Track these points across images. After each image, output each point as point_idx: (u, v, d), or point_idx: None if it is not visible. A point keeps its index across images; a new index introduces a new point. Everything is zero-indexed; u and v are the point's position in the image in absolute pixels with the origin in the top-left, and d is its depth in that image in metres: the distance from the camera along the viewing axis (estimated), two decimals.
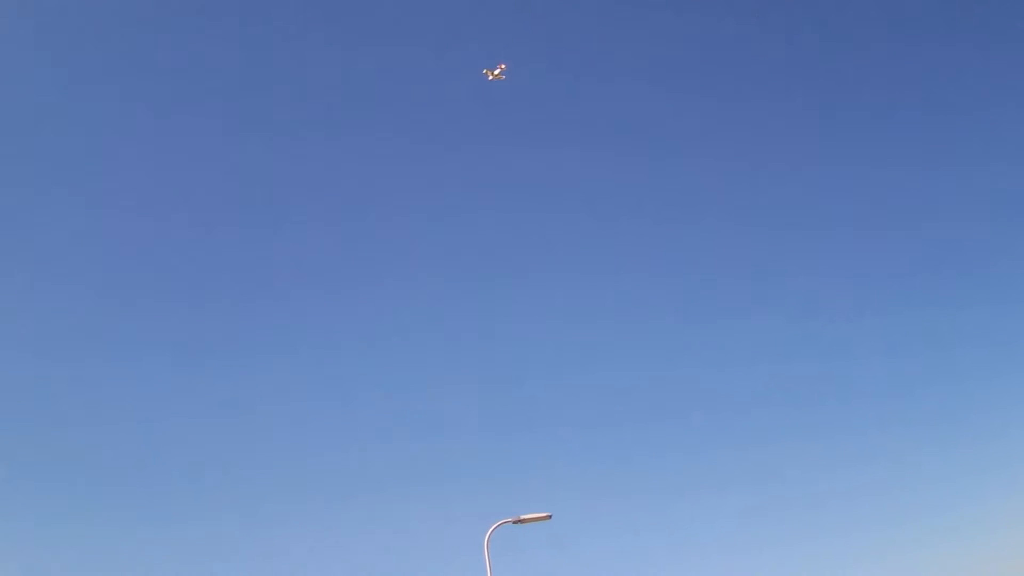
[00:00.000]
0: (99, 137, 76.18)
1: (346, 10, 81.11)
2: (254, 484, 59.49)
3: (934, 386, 67.30)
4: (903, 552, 55.07)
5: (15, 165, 70.61)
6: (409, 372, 70.55)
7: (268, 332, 71.21)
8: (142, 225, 75.45)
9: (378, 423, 66.81)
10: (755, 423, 66.29)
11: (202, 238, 76.71)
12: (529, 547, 41.35)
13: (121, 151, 77.10)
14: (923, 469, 61.31)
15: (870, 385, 68.62)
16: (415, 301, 75.38)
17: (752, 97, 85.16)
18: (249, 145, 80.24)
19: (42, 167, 72.03)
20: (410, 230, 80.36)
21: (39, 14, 71.09)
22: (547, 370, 71.36)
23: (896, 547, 55.40)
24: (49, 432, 59.67)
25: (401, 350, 71.94)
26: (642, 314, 76.24)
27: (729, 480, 61.87)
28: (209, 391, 66.41)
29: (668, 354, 73.47)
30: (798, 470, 63.03)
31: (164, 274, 73.94)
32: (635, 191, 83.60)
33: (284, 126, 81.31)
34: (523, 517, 24.23)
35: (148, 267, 73.58)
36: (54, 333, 65.88)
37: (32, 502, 54.55)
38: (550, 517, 24.24)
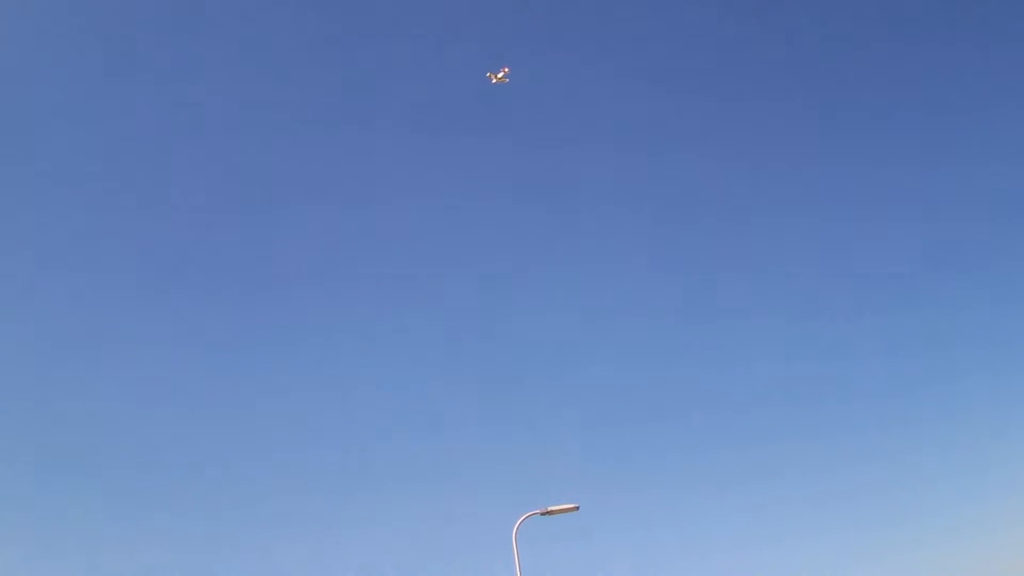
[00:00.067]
0: (99, 136, 76.09)
1: (347, 9, 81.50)
2: (284, 479, 60.17)
3: (934, 386, 67.89)
4: (903, 552, 55.58)
5: (15, 165, 70.30)
6: (437, 369, 71.28)
7: (290, 328, 71.80)
8: (141, 223, 75.42)
9: (408, 419, 67.63)
10: (754, 423, 66.93)
11: (202, 235, 76.89)
12: (557, 538, 41.80)
13: (120, 148, 76.96)
14: (923, 469, 61.87)
15: (870, 385, 69.25)
16: (424, 299, 75.81)
17: (752, 97, 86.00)
18: (249, 142, 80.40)
19: (42, 167, 71.77)
20: (411, 230, 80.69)
21: (39, 14, 71.02)
22: (574, 366, 72.14)
23: (896, 547, 55.89)
24: (49, 431, 59.47)
25: (426, 347, 72.69)
26: (642, 312, 76.79)
27: (742, 477, 62.51)
28: (239, 385, 67.21)
29: (679, 353, 74.29)
30: (797, 469, 63.54)
31: (164, 271, 73.94)
32: (636, 190, 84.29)
33: (284, 124, 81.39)
34: (551, 509, 24.36)
35: (147, 265, 73.51)
36: (54, 332, 65.68)
37: (32, 502, 54.43)
38: (577, 508, 24.36)
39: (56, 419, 60.11)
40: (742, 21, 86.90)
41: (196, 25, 78.58)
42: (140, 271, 73.11)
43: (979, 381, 66.30)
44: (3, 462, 55.14)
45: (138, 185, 76.11)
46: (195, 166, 79.35)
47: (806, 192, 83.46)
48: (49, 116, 72.94)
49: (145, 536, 53.34)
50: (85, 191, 74.12)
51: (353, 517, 58.21)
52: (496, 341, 73.85)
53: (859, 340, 72.90)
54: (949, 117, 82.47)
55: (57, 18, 72.24)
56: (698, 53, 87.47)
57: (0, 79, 69.60)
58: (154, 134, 77.06)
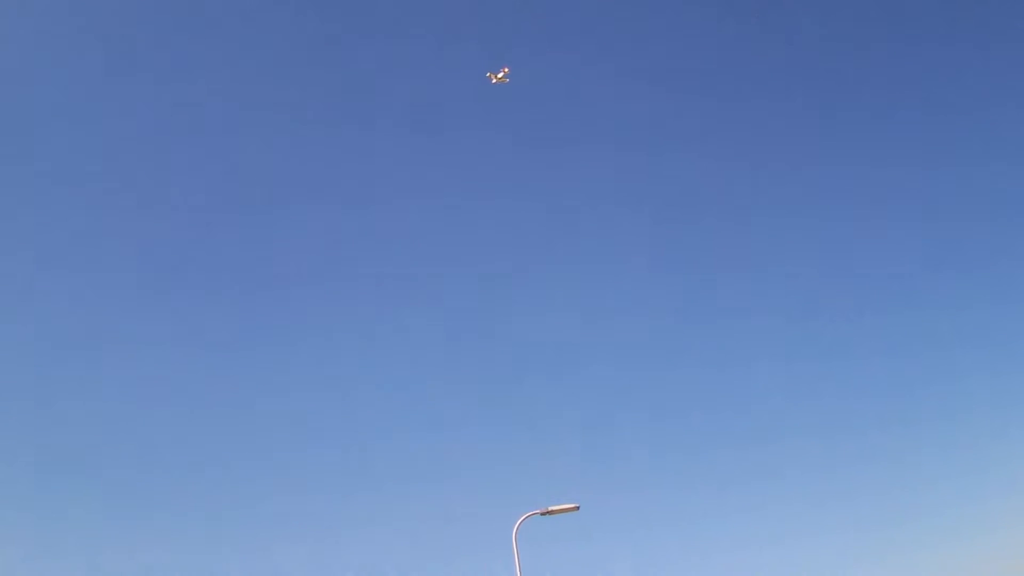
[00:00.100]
0: (99, 136, 76.06)
1: (347, 9, 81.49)
2: (284, 479, 60.27)
3: (934, 386, 67.97)
4: (903, 552, 55.63)
5: (15, 165, 70.30)
6: (437, 369, 71.39)
7: (292, 328, 71.86)
8: (141, 223, 75.41)
9: (408, 419, 67.71)
10: (754, 422, 66.97)
11: (202, 235, 76.92)
12: (557, 538, 41.97)
13: (120, 148, 76.95)
14: (923, 469, 61.90)
15: (870, 385, 69.27)
16: (424, 299, 75.91)
17: (752, 97, 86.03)
18: (249, 142, 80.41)
19: (42, 167, 71.76)
20: (411, 230, 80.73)
21: (39, 14, 71.01)
22: (574, 366, 72.28)
23: (896, 547, 55.94)
24: (49, 431, 59.47)
25: (426, 347, 72.80)
26: (642, 312, 76.85)
27: (742, 477, 62.61)
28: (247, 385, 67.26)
29: (679, 353, 74.42)
30: (797, 469, 63.59)
31: (163, 271, 73.95)
32: (635, 190, 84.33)
33: (284, 124, 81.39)
34: (551, 509, 24.36)
35: (147, 265, 73.51)
36: (54, 332, 65.69)
37: (32, 501, 54.43)
38: (578, 508, 24.36)
39: (56, 419, 60.26)
40: (742, 21, 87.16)
41: (196, 25, 78.74)
42: (140, 271, 73.26)
43: (979, 381, 66.56)
44: (3, 462, 55.27)
45: (138, 185, 76.24)
46: (195, 166, 79.49)
47: (806, 192, 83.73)
48: (49, 116, 73.09)
49: (145, 536, 53.47)
50: (85, 191, 74.27)
51: (353, 517, 58.50)
52: (496, 341, 74.06)
53: (859, 340, 73.19)
54: (949, 117, 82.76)
55: (57, 18, 72.38)
56: (698, 53, 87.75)
57: (0, 79, 69.77)
58: (154, 134, 77.22)
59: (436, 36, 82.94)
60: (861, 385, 69.53)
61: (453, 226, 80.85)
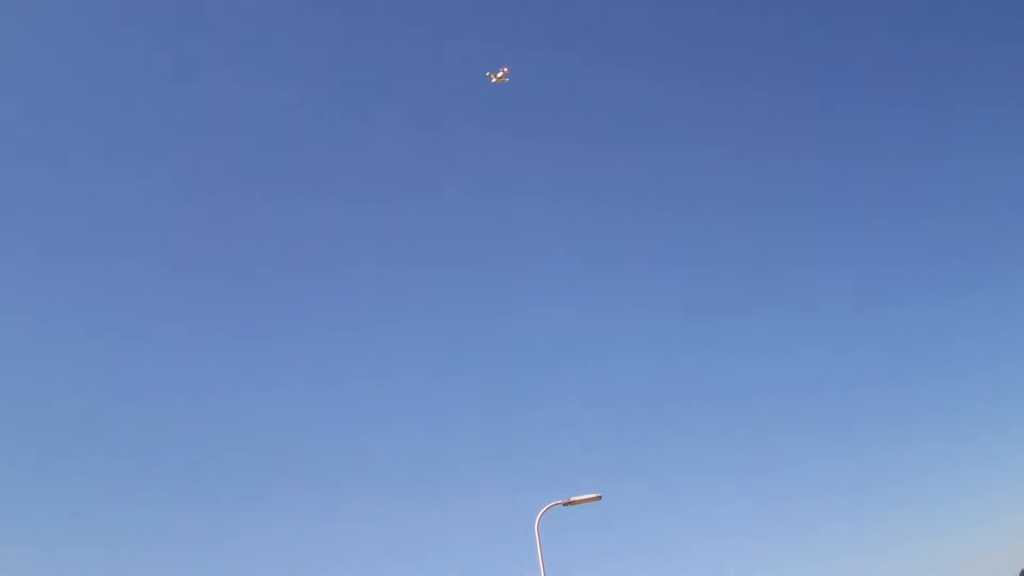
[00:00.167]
0: (99, 136, 75.91)
1: (347, 9, 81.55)
2: (284, 479, 60.48)
3: (933, 379, 68.49)
4: (902, 545, 55.85)
5: (15, 165, 70.06)
6: (456, 359, 72.20)
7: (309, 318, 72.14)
8: (141, 223, 75.41)
9: (428, 413, 68.09)
10: (756, 417, 67.52)
11: (202, 235, 77.03)
12: (579, 528, 42.84)
13: (120, 148, 76.80)
14: (922, 462, 62.17)
15: (869, 382, 69.67)
16: (429, 291, 76.01)
17: (752, 93, 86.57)
18: (249, 142, 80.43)
19: (42, 166, 71.57)
20: (411, 230, 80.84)
21: (39, 14, 70.79)
22: (597, 359, 72.70)
23: (895, 540, 56.13)
24: (49, 431, 59.31)
25: (446, 341, 73.64)
26: (655, 307, 77.25)
27: (765, 465, 63.21)
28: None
29: (702, 343, 74.79)
30: (796, 463, 63.82)
31: (163, 271, 74.02)
32: (636, 188, 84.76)
33: (284, 124, 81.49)
34: (573, 499, 24.41)
35: (147, 264, 73.48)
36: (54, 332, 65.49)
37: (32, 501, 54.26)
38: (600, 498, 24.43)
39: (56, 419, 60.05)
40: (742, 19, 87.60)
41: (196, 25, 78.68)
42: (140, 270, 73.10)
43: (978, 374, 67.16)
44: (3, 462, 55.05)
45: (138, 185, 76.11)
46: (195, 166, 79.35)
47: (806, 187, 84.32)
48: (49, 116, 72.85)
49: (145, 536, 53.42)
50: (85, 191, 74.06)
51: (379, 509, 58.90)
52: (518, 335, 74.10)
53: (859, 333, 73.93)
54: (949, 112, 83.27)
55: (57, 18, 72.15)
56: (698, 51, 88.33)
57: (0, 79, 69.51)
58: (154, 134, 77.06)
59: (436, 36, 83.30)
60: (859, 380, 70.18)
61: (453, 226, 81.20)
